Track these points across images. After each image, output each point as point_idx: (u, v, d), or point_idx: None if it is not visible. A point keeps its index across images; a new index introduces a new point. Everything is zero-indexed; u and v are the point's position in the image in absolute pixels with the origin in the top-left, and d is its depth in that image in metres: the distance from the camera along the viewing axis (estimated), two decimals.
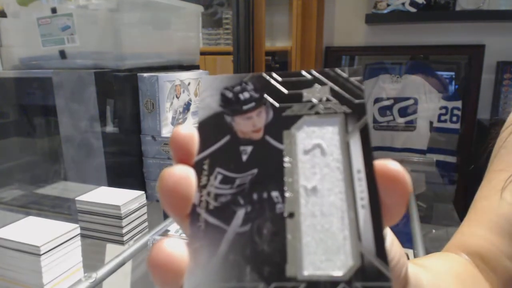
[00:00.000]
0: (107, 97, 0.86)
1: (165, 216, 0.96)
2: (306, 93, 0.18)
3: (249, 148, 0.17)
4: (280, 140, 0.17)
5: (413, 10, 1.81)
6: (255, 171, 0.17)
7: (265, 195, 0.17)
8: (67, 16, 0.88)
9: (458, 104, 1.92)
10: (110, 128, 0.88)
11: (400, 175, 0.16)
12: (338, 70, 0.18)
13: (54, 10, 0.88)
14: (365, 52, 2.05)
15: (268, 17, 2.01)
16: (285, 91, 0.18)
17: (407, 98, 1.98)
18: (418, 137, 1.99)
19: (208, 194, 0.17)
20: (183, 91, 0.96)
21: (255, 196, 0.17)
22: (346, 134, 0.17)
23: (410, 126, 2.00)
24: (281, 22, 2.17)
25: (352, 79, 0.18)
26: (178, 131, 0.17)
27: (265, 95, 0.18)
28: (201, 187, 0.17)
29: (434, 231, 1.01)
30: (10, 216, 0.86)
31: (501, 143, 0.42)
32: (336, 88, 0.18)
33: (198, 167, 0.17)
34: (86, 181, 0.87)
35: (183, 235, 0.68)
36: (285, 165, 0.17)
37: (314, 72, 0.19)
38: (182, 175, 0.16)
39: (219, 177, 0.17)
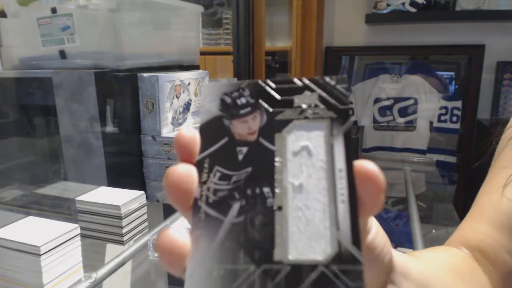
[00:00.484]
0: (107, 97, 0.86)
1: (165, 216, 0.96)
2: (297, 99, 0.20)
3: (244, 149, 0.20)
4: (272, 142, 0.20)
5: (413, 10, 1.81)
6: (249, 169, 0.19)
7: (257, 190, 0.19)
8: (67, 16, 0.88)
9: (458, 104, 1.92)
10: (110, 128, 0.88)
11: (375, 174, 0.18)
12: (327, 78, 0.20)
13: (54, 10, 0.88)
14: (365, 52, 2.05)
15: (268, 17, 2.01)
16: (278, 97, 0.20)
17: (407, 98, 1.98)
18: (418, 137, 1.99)
19: (208, 189, 0.19)
20: (183, 91, 0.96)
21: (249, 191, 0.19)
22: (331, 137, 0.19)
23: (410, 126, 2.00)
24: (281, 22, 2.17)
25: (339, 86, 0.20)
26: (182, 133, 0.19)
27: (260, 101, 0.20)
28: (201, 183, 0.19)
29: (434, 231, 1.01)
30: (10, 216, 0.86)
31: (505, 141, 0.42)
32: (324, 94, 0.20)
33: (199, 165, 0.19)
34: (86, 181, 0.87)
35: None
36: (276, 164, 0.19)
37: (304, 80, 0.20)
38: (185, 172, 0.18)
39: (218, 174, 0.19)
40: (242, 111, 0.20)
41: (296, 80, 0.20)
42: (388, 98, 2.01)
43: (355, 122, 2.07)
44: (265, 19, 1.77)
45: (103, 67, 0.88)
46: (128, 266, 0.71)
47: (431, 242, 0.96)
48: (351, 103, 2.07)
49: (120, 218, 0.73)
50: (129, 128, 0.90)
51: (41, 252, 0.56)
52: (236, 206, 0.19)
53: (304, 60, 1.89)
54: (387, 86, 2.00)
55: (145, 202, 0.80)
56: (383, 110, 2.02)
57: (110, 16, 0.87)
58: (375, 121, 2.04)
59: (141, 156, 0.93)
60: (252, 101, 0.20)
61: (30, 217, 0.65)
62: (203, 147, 0.20)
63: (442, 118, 1.94)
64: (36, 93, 0.91)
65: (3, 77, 0.95)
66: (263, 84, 0.21)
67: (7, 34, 0.97)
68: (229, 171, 0.19)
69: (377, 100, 2.03)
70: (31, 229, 0.60)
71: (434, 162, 1.63)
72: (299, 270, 0.17)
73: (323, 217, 0.18)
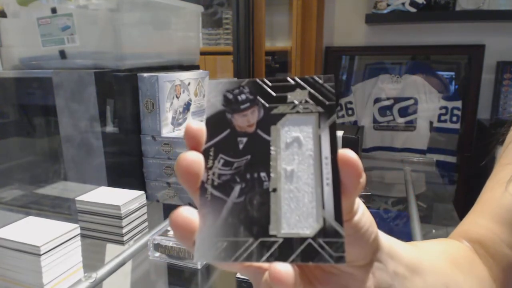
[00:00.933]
0: (107, 97, 0.86)
1: (165, 216, 0.96)
2: (289, 96, 0.23)
3: (244, 139, 0.22)
4: (268, 133, 0.22)
5: (413, 10, 1.81)
6: (248, 157, 0.22)
7: (255, 175, 0.22)
8: (67, 16, 0.88)
9: (458, 104, 1.92)
10: (110, 128, 0.88)
11: (355, 161, 0.21)
12: (316, 77, 0.23)
13: (54, 10, 0.88)
14: (365, 52, 2.05)
15: (268, 17, 2.01)
16: (273, 94, 0.23)
17: (407, 98, 1.98)
18: (418, 137, 1.99)
19: (213, 174, 0.22)
20: (183, 91, 0.96)
21: (248, 175, 0.22)
22: (319, 129, 0.22)
23: (410, 126, 2.00)
24: (281, 22, 2.17)
25: (326, 84, 0.23)
26: (191, 125, 0.22)
27: (258, 97, 0.23)
28: (208, 168, 0.22)
29: (434, 231, 1.01)
30: (10, 216, 0.86)
31: (510, 139, 0.43)
32: (313, 92, 0.22)
33: (205, 153, 0.22)
34: (86, 181, 0.87)
35: None
36: (271, 152, 0.22)
37: (296, 79, 0.23)
38: (194, 159, 0.21)
39: (222, 161, 0.22)
40: (242, 106, 0.23)
41: (289, 79, 0.23)
42: (388, 98, 2.01)
43: (355, 122, 2.07)
44: (265, 19, 1.77)
45: (103, 67, 0.88)
46: (128, 266, 0.71)
47: None
48: (350, 103, 2.07)
49: (120, 218, 0.73)
50: (129, 128, 0.90)
51: (41, 252, 0.56)
52: (237, 188, 0.21)
53: (304, 60, 1.89)
54: (387, 86, 2.00)
55: (145, 202, 0.80)
56: (383, 110, 2.02)
57: (110, 16, 0.87)
58: (375, 121, 2.04)
59: (141, 156, 0.93)
60: (251, 97, 0.23)
61: (30, 217, 0.65)
62: (209, 137, 0.22)
63: (442, 118, 1.94)
64: (36, 93, 0.91)
65: (3, 77, 0.95)
66: (260, 82, 0.23)
67: (7, 34, 0.97)
68: (231, 158, 0.22)
69: (377, 100, 2.03)
70: (31, 229, 0.60)
71: (434, 162, 1.63)
72: (290, 242, 0.20)
73: (311, 197, 0.21)
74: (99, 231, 0.75)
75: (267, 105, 0.23)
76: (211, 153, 0.22)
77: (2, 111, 0.95)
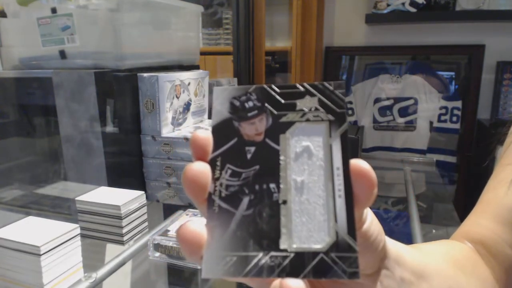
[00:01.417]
0: (107, 97, 0.86)
1: (165, 216, 0.96)
2: (299, 103, 0.22)
3: (252, 149, 0.21)
4: (277, 142, 0.21)
5: (413, 10, 1.81)
6: (257, 167, 0.21)
7: (264, 186, 0.21)
8: (67, 16, 0.88)
9: (458, 104, 1.92)
10: (110, 128, 0.88)
11: (368, 172, 0.20)
12: (326, 84, 0.22)
13: (54, 10, 0.88)
14: (365, 52, 2.05)
15: (268, 17, 2.01)
16: (282, 101, 0.22)
17: (407, 98, 1.98)
18: (418, 137, 1.99)
19: (221, 184, 0.21)
20: (183, 91, 0.96)
21: (257, 187, 0.21)
22: (329, 138, 0.21)
23: (410, 126, 2.00)
24: (281, 22, 2.17)
25: (337, 91, 0.22)
26: (197, 135, 0.21)
27: (266, 104, 0.22)
28: (215, 179, 0.21)
29: (434, 231, 1.01)
30: (10, 216, 0.86)
31: (511, 139, 0.43)
32: (323, 99, 0.22)
33: (212, 163, 0.21)
34: (86, 181, 0.87)
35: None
36: (281, 162, 0.21)
37: (306, 85, 0.22)
38: (200, 169, 0.21)
39: (229, 171, 0.21)
40: (249, 114, 0.22)
41: (298, 85, 0.22)
42: (388, 98, 2.01)
43: (355, 122, 2.07)
44: (265, 19, 1.77)
45: (103, 67, 0.88)
46: (128, 266, 0.71)
47: None
48: (350, 103, 2.07)
49: (120, 218, 0.73)
50: (129, 128, 0.90)
51: (41, 252, 0.56)
52: (245, 200, 0.21)
53: (304, 60, 1.89)
54: (387, 86, 2.00)
55: (145, 202, 0.80)
56: (383, 110, 2.02)
57: (110, 16, 0.87)
58: (375, 121, 2.04)
59: (141, 156, 0.93)
60: (258, 104, 0.22)
61: (30, 217, 0.65)
62: (216, 147, 0.22)
63: (442, 118, 1.94)
64: (36, 93, 0.91)
65: (3, 77, 0.95)
66: (268, 89, 0.22)
67: (7, 34, 0.97)
68: (239, 169, 0.21)
69: (377, 100, 2.03)
70: (31, 229, 0.60)
71: (434, 162, 1.63)
72: (301, 257, 0.19)
73: (322, 210, 0.20)
74: (99, 231, 0.75)
75: (275, 112, 0.22)
76: (218, 163, 0.21)
77: (2, 111, 0.95)
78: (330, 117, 0.21)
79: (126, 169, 0.91)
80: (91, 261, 0.68)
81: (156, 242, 0.71)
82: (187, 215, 0.81)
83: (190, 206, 0.90)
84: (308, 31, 1.86)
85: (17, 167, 0.97)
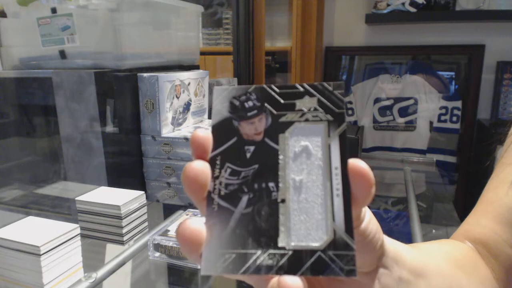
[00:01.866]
0: (107, 97, 0.86)
1: (165, 216, 0.96)
2: (298, 103, 0.22)
3: (252, 148, 0.22)
4: (276, 142, 0.22)
5: (413, 10, 1.81)
6: (256, 166, 0.21)
7: (263, 185, 0.21)
8: (67, 16, 0.88)
9: (458, 104, 1.92)
10: (110, 128, 0.88)
11: (366, 171, 0.20)
12: (325, 84, 0.22)
13: (54, 10, 0.88)
14: (365, 52, 2.05)
15: (268, 17, 2.01)
16: (281, 101, 0.22)
17: (407, 98, 1.98)
18: (418, 137, 1.99)
19: (220, 183, 0.21)
20: (183, 91, 0.96)
21: (256, 185, 0.21)
22: (328, 138, 0.21)
23: (410, 126, 2.00)
24: (281, 22, 2.17)
25: (336, 92, 0.22)
26: (197, 134, 0.21)
27: (266, 104, 0.22)
28: (214, 178, 0.21)
29: (434, 231, 1.01)
30: (10, 216, 0.86)
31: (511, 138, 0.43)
32: (322, 99, 0.22)
33: (212, 162, 0.22)
34: (86, 181, 0.87)
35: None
36: (280, 162, 0.21)
37: (305, 85, 0.22)
38: (200, 168, 0.21)
39: (228, 170, 0.21)
40: (249, 114, 0.22)
41: (297, 85, 0.22)
42: (388, 98, 2.01)
43: (355, 122, 2.07)
44: (265, 19, 1.77)
45: (103, 67, 0.88)
46: (128, 266, 0.71)
47: None
48: (350, 103, 2.07)
49: (120, 218, 0.73)
50: (129, 128, 0.90)
51: (41, 252, 0.56)
52: (245, 199, 0.21)
53: (304, 60, 1.89)
54: (387, 86, 2.00)
55: (145, 202, 0.80)
56: (383, 110, 2.02)
57: (110, 16, 0.87)
58: (375, 121, 2.04)
59: (141, 156, 0.93)
60: (258, 104, 0.22)
61: (30, 217, 0.65)
62: (215, 146, 0.22)
63: (442, 118, 1.94)
64: (36, 93, 0.91)
65: (3, 77, 0.95)
66: (268, 89, 0.23)
67: (7, 34, 0.97)
68: (238, 168, 0.21)
69: (377, 100, 2.03)
70: (31, 229, 0.60)
71: (434, 162, 1.63)
72: (299, 254, 0.19)
73: (320, 209, 0.20)
74: (99, 231, 0.75)
75: (275, 112, 0.22)
76: (218, 162, 0.22)
77: (2, 111, 0.95)
78: (329, 117, 0.22)
79: (126, 169, 0.91)
80: (91, 261, 0.68)
81: (156, 242, 0.71)
82: (187, 215, 0.81)
83: (190, 206, 0.90)
84: (308, 31, 1.86)
85: (17, 167, 0.97)
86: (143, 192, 0.79)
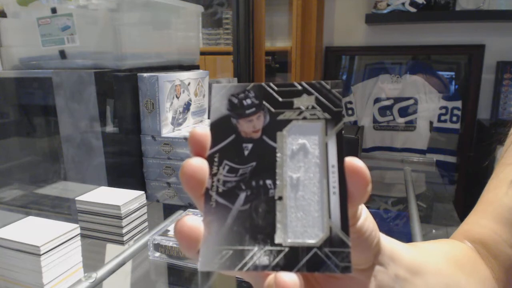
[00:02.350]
0: (107, 97, 0.86)
1: (165, 216, 0.96)
2: (296, 101, 0.22)
3: (249, 145, 0.22)
4: (274, 140, 0.22)
5: (413, 10, 1.81)
6: (254, 163, 0.22)
7: (261, 182, 0.21)
8: (67, 16, 0.88)
9: (458, 104, 1.92)
10: (110, 128, 0.88)
11: (362, 169, 0.21)
12: (323, 83, 0.22)
13: (54, 10, 0.88)
14: (365, 52, 2.05)
15: (268, 17, 2.01)
16: (279, 99, 0.22)
17: (407, 98, 1.98)
18: (418, 137, 1.99)
19: (218, 180, 0.21)
20: (183, 91, 0.96)
21: (253, 183, 0.21)
22: (325, 136, 0.21)
23: (410, 126, 2.00)
24: (281, 22, 2.17)
25: (334, 90, 0.22)
26: (195, 131, 0.22)
27: (264, 102, 0.22)
28: (212, 175, 0.21)
29: (434, 231, 1.01)
30: (10, 216, 0.86)
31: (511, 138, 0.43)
32: (320, 97, 0.22)
33: (210, 159, 0.22)
34: (86, 181, 0.87)
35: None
36: (277, 159, 0.21)
37: (303, 84, 0.22)
38: (198, 165, 0.21)
39: (226, 167, 0.22)
40: (247, 111, 0.22)
41: (295, 83, 0.23)
42: (388, 98, 2.01)
43: (355, 122, 2.07)
44: (265, 19, 1.77)
45: (103, 67, 0.88)
46: (128, 266, 0.71)
47: None
48: (350, 103, 2.07)
49: (120, 218, 0.73)
50: (129, 128, 0.90)
51: (41, 252, 0.56)
52: (242, 196, 0.21)
53: (304, 60, 1.89)
54: (387, 86, 2.00)
55: (145, 202, 0.80)
56: (383, 110, 2.02)
57: (110, 16, 0.87)
58: (375, 121, 2.04)
59: (141, 156, 0.93)
60: (256, 102, 0.22)
61: (30, 217, 0.65)
62: (213, 143, 0.22)
63: (442, 118, 1.94)
64: (36, 93, 0.91)
65: (3, 77, 0.95)
66: (266, 87, 0.23)
67: (7, 34, 0.97)
68: (236, 165, 0.22)
69: (377, 100, 2.03)
70: (31, 229, 0.60)
71: (434, 162, 1.63)
72: (296, 251, 0.20)
73: (317, 206, 0.20)
74: (99, 231, 0.75)
75: (273, 110, 0.22)
76: (216, 159, 0.22)
77: (2, 111, 0.95)
78: (327, 115, 0.22)
79: (126, 169, 0.91)
80: (91, 261, 0.68)
81: (156, 242, 0.71)
82: (187, 215, 0.81)
83: (190, 206, 0.90)
84: (308, 31, 1.86)
85: (17, 167, 0.97)
86: (143, 192, 0.79)
